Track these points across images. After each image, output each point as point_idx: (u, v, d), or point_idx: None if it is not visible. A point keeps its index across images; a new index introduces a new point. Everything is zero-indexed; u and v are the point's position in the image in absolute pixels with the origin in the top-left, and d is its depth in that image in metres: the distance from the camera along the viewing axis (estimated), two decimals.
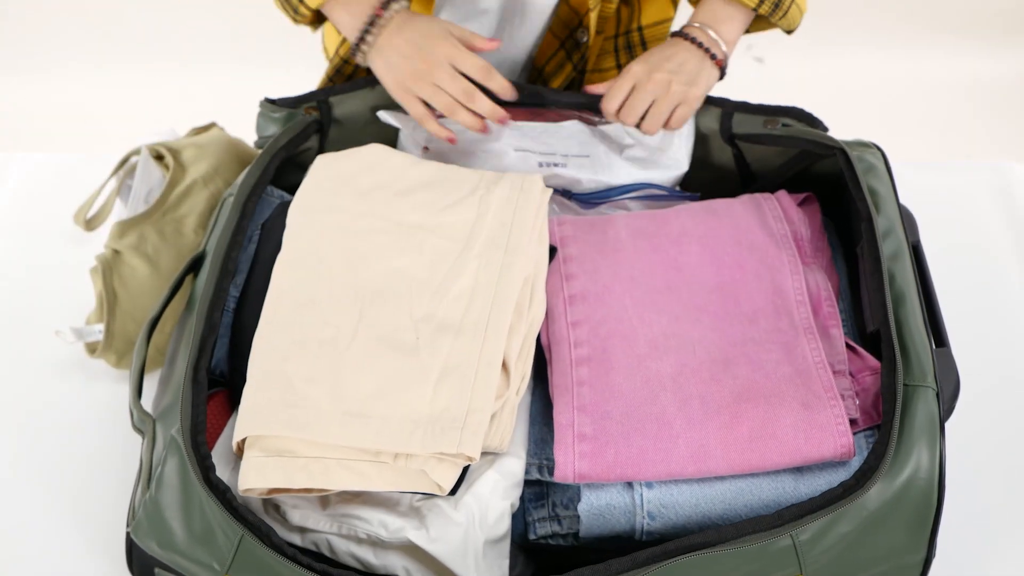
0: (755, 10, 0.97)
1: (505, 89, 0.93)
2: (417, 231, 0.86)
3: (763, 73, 2.01)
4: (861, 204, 0.86)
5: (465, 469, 0.76)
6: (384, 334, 0.79)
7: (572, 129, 1.01)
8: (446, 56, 0.91)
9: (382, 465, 0.74)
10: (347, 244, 0.85)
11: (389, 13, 0.93)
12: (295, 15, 0.99)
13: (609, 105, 0.95)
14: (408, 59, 0.92)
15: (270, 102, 1.01)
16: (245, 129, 1.11)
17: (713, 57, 0.96)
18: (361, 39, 0.94)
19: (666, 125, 0.95)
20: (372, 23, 0.94)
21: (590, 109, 1.01)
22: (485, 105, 0.92)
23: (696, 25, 0.97)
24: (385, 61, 0.93)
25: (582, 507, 0.78)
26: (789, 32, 1.01)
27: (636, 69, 0.94)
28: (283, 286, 0.83)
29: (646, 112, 0.94)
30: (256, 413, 0.76)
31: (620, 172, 0.98)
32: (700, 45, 0.95)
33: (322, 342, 0.79)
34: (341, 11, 0.95)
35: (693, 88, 0.94)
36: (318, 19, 1.01)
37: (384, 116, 1.01)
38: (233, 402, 0.84)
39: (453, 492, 0.75)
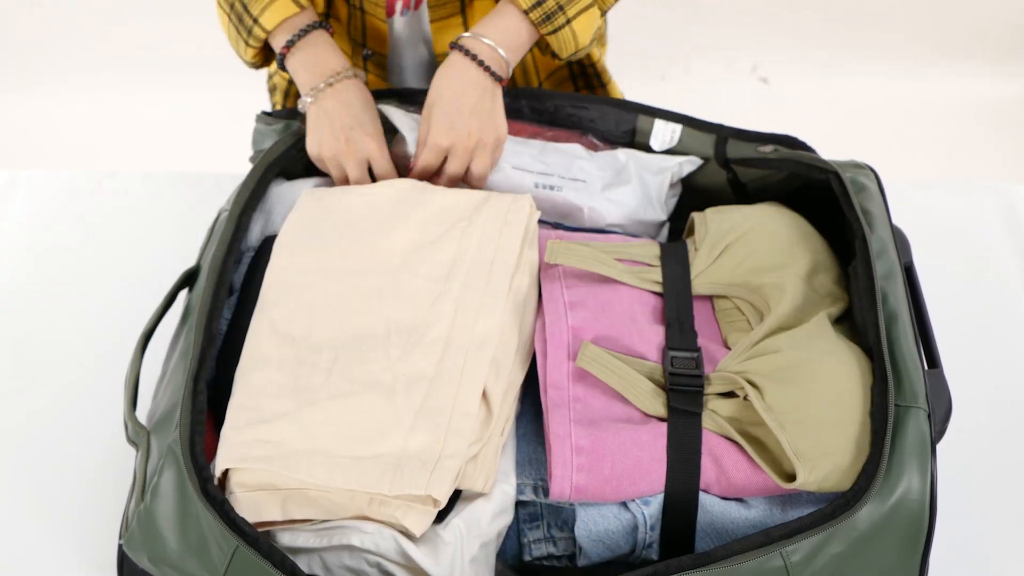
0: (527, 14, 0.95)
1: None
2: (397, 272, 0.86)
3: (768, 93, 2.01)
4: (855, 225, 0.87)
5: (456, 495, 0.76)
6: (361, 375, 0.80)
7: (573, 151, 1.01)
8: (367, 154, 0.96)
9: (358, 503, 0.75)
10: (328, 285, 0.86)
11: (339, 78, 0.97)
12: (247, 39, 0.99)
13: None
14: (336, 139, 0.96)
15: (267, 115, 1.02)
16: (243, 143, 1.12)
17: (495, 77, 0.95)
18: (310, 93, 0.97)
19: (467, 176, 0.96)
20: (326, 83, 0.97)
21: (593, 131, 1.01)
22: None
23: (479, 40, 0.95)
24: (316, 124, 0.97)
25: (579, 532, 0.78)
26: (559, 59, 1.00)
27: (443, 144, 0.94)
28: (264, 323, 0.84)
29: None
30: (233, 448, 0.77)
31: (611, 204, 0.98)
32: (487, 70, 0.94)
33: (299, 379, 0.80)
34: (299, 67, 0.98)
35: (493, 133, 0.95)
36: (265, 58, 1.03)
37: (386, 109, 1.01)
38: (218, 429, 0.84)
39: (441, 519, 0.76)
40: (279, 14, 0.97)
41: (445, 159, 0.96)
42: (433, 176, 0.97)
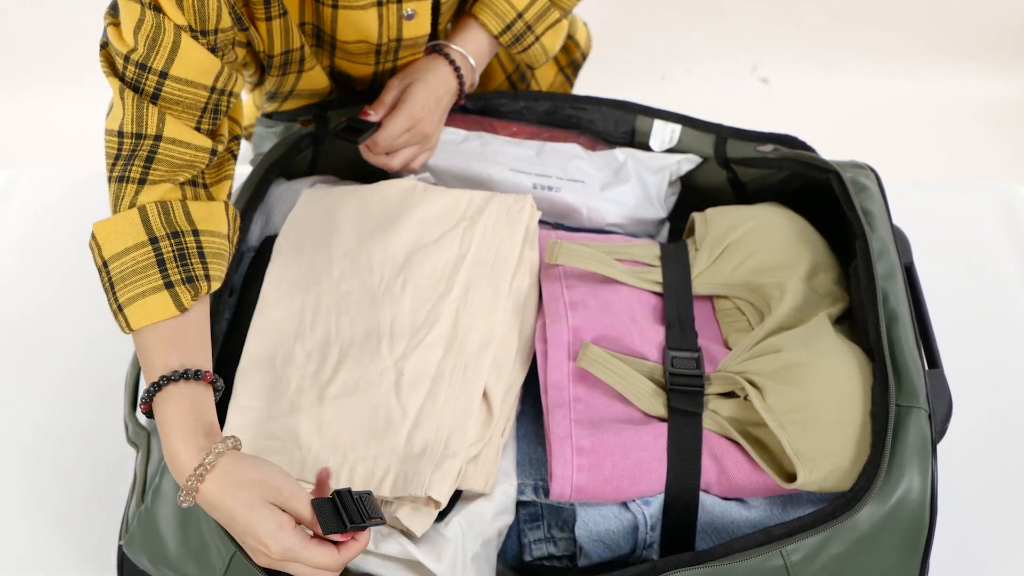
0: (497, 38, 0.98)
1: None
2: (398, 271, 0.86)
3: (768, 93, 2.01)
4: (856, 225, 0.87)
5: (457, 494, 0.76)
6: (362, 375, 0.80)
7: (571, 151, 1.01)
8: (281, 554, 0.67)
9: None
10: (328, 284, 0.86)
11: (211, 457, 0.68)
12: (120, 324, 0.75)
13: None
14: (253, 551, 0.69)
15: (267, 116, 1.02)
16: (242, 143, 1.12)
17: (460, 89, 0.98)
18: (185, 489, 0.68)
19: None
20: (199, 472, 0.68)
21: (594, 133, 1.02)
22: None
23: (459, 50, 0.97)
24: (227, 526, 0.69)
25: (580, 532, 0.78)
26: (532, 69, 1.03)
27: (416, 115, 0.93)
28: (264, 323, 0.84)
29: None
30: None
31: (609, 204, 0.98)
32: (459, 78, 0.97)
33: (299, 380, 0.80)
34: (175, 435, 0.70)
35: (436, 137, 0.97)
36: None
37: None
38: None
39: (442, 517, 0.76)
40: (148, 313, 0.72)
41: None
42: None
